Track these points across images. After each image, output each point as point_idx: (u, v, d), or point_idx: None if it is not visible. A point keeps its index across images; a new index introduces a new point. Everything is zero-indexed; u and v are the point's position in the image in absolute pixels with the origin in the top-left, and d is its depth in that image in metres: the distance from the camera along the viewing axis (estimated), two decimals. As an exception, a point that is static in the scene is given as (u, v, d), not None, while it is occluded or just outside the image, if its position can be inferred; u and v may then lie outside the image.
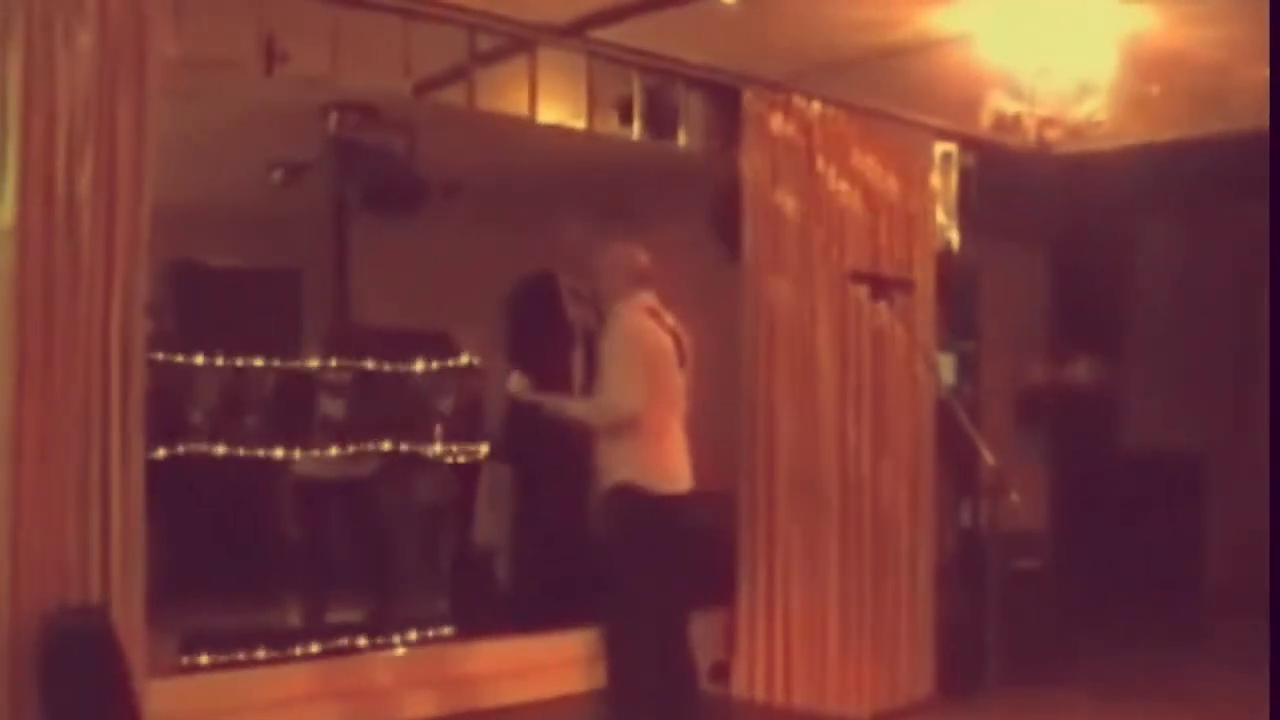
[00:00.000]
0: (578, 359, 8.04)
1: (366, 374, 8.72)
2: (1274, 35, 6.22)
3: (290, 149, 9.23)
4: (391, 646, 7.16)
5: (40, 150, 5.23)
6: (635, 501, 6.11)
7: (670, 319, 6.35)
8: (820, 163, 8.13)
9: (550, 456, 7.91)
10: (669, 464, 6.22)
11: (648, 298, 6.30)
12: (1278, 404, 7.80)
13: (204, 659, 6.61)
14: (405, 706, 6.75)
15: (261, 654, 6.84)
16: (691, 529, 6.37)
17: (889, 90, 7.99)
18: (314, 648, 7.05)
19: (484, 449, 9.38)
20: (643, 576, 6.11)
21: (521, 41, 7.15)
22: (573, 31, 7.10)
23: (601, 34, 7.12)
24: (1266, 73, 6.66)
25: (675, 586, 6.25)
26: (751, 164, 7.88)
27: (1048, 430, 10.92)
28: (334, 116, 8.54)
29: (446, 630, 7.48)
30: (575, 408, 6.44)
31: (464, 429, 9.63)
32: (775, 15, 6.58)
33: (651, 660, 6.14)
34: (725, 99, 7.98)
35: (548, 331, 6.53)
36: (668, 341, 6.27)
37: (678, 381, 6.32)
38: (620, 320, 6.22)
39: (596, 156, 8.48)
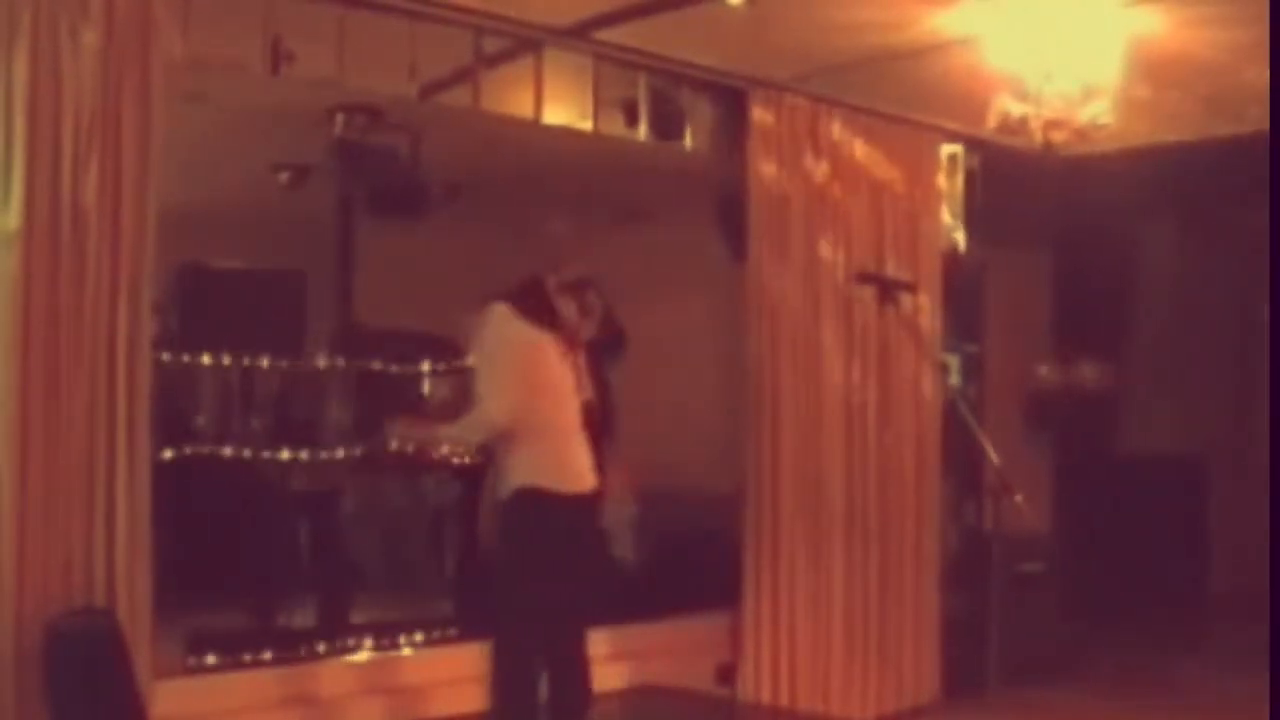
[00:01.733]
0: (580, 358, 8.04)
1: (369, 375, 8.71)
2: (1274, 36, 6.22)
3: (296, 151, 9.23)
4: (399, 647, 7.15)
5: (46, 152, 5.23)
6: (537, 502, 5.96)
7: (551, 316, 6.27)
8: (826, 164, 8.14)
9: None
10: (567, 462, 6.08)
11: (503, 307, 6.16)
12: (1278, 405, 7.82)
13: (210, 660, 6.60)
14: (419, 707, 6.75)
15: (268, 655, 6.83)
16: (594, 529, 6.28)
17: (895, 92, 7.99)
18: (320, 648, 7.04)
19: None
20: (542, 582, 5.95)
21: (527, 43, 7.16)
22: (578, 33, 7.10)
23: (607, 35, 7.12)
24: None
25: (576, 590, 6.11)
26: (757, 165, 7.88)
27: (1053, 432, 10.91)
28: (340, 118, 8.54)
29: (453, 632, 7.47)
30: (453, 430, 6.32)
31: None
32: (781, 17, 6.58)
33: (541, 671, 6.01)
34: (731, 101, 7.99)
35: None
36: (546, 338, 6.16)
37: (565, 377, 6.21)
38: (483, 330, 6.11)
39: (602, 158, 8.48)
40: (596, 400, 8.08)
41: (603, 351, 8.20)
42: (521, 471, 5.99)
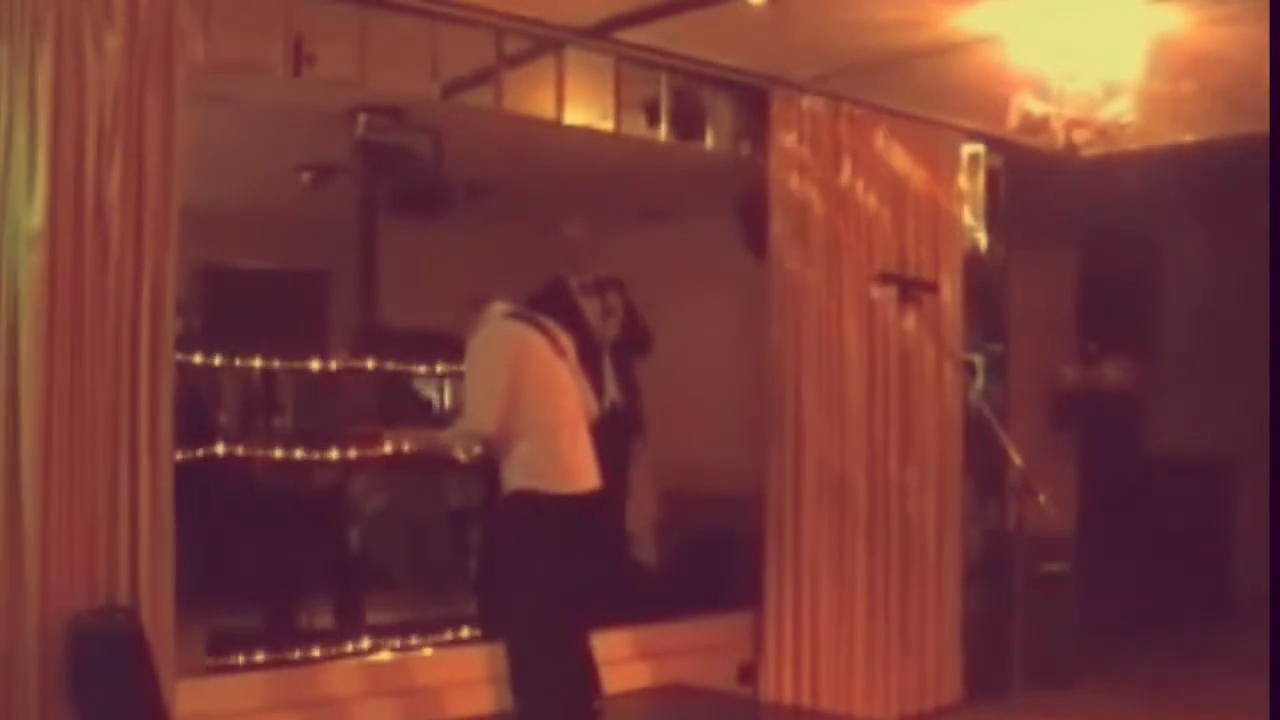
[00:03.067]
0: (605, 357, 8.05)
1: (391, 375, 8.72)
2: (1274, 35, 6.19)
3: (318, 151, 9.25)
4: (419, 648, 7.16)
5: (69, 153, 5.26)
6: (533, 505, 5.94)
7: (544, 318, 6.29)
8: (847, 164, 8.14)
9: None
10: (565, 462, 6.02)
11: (502, 305, 6.20)
12: (1278, 406, 7.78)
13: (231, 660, 6.61)
14: (437, 708, 6.76)
15: (287, 655, 6.84)
16: (599, 528, 6.22)
17: (916, 91, 7.98)
18: (346, 648, 7.06)
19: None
20: (545, 584, 5.94)
21: (548, 43, 7.16)
22: (600, 33, 7.11)
23: (628, 35, 7.12)
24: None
25: (579, 590, 6.09)
26: (778, 165, 7.88)
27: (1077, 432, 10.88)
28: (362, 119, 8.55)
29: (473, 632, 7.47)
30: (446, 436, 6.36)
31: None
32: (802, 16, 6.58)
33: (558, 672, 5.99)
34: (752, 100, 7.99)
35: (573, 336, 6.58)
36: (537, 337, 6.13)
37: (562, 375, 6.17)
38: (475, 337, 6.10)
39: (624, 158, 8.49)
40: (625, 402, 8.10)
41: (630, 352, 8.21)
42: (517, 473, 5.98)
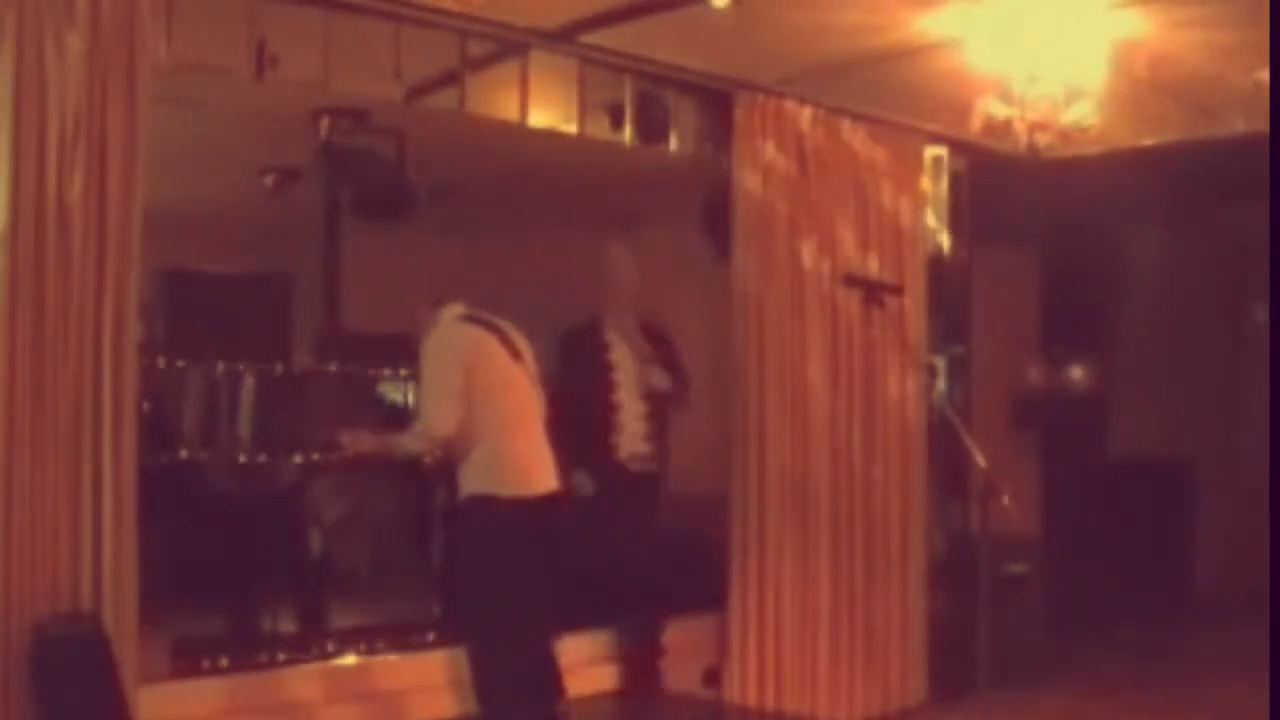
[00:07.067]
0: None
1: (357, 379, 8.69)
2: (1274, 36, 6.22)
3: (281, 154, 9.22)
4: (386, 652, 7.13)
5: (31, 156, 5.22)
6: (490, 510, 5.94)
7: (500, 320, 6.27)
8: (811, 167, 8.14)
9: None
10: (521, 466, 6.03)
11: (457, 308, 6.20)
12: (1278, 408, 7.82)
13: (197, 665, 6.58)
14: (400, 712, 6.75)
15: (256, 660, 6.82)
16: (553, 532, 6.18)
17: (880, 95, 7.99)
18: (310, 652, 7.03)
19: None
20: (504, 588, 5.94)
21: (513, 46, 7.15)
22: (564, 36, 7.10)
23: (593, 38, 7.12)
24: (1256, 77, 6.69)
25: (539, 595, 6.09)
26: (742, 168, 7.88)
27: (1039, 434, 10.92)
28: (325, 121, 8.52)
29: (436, 636, 7.45)
30: (403, 440, 6.30)
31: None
32: (766, 20, 6.58)
33: (520, 676, 6.00)
34: (716, 103, 7.99)
35: (592, 371, 6.68)
36: (491, 340, 6.12)
37: (517, 378, 6.15)
38: (430, 338, 6.09)
39: (588, 161, 8.48)
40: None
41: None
42: (473, 477, 5.97)
